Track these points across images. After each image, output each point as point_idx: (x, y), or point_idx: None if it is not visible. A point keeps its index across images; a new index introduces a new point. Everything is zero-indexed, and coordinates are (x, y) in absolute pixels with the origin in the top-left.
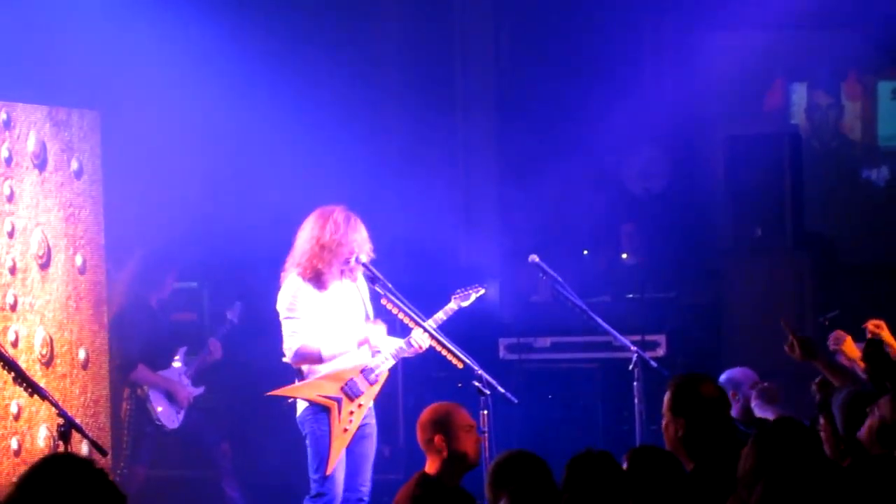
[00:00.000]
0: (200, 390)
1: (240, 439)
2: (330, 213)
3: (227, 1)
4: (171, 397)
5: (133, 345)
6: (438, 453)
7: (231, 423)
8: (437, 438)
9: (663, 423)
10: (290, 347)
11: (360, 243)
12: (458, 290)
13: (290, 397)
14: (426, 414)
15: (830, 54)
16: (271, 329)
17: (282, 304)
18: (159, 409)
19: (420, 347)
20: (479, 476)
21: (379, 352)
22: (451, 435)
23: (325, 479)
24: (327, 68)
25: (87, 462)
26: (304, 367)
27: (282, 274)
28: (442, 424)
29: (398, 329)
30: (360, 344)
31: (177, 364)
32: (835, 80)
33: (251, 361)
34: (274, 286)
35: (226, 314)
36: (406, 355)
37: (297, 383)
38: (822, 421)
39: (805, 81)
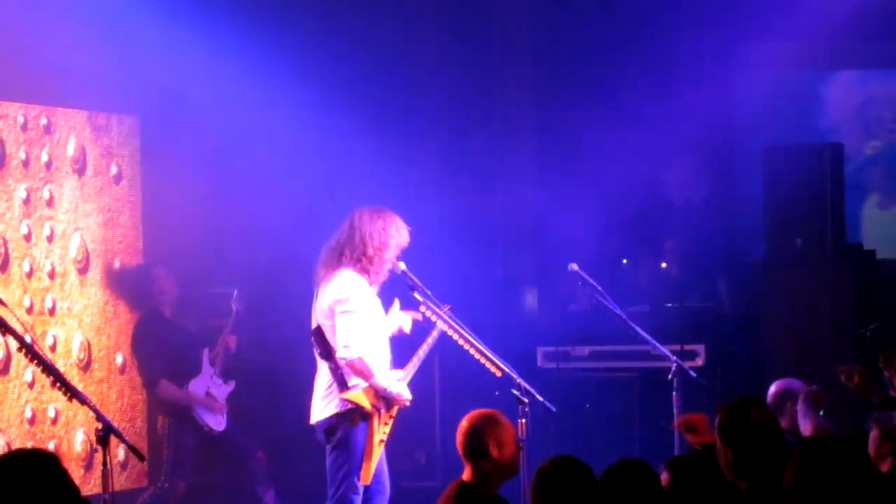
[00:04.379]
0: (231, 386)
1: (273, 446)
2: (384, 215)
3: (267, 10)
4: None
5: (154, 360)
6: (485, 461)
7: (264, 431)
8: (490, 446)
9: (717, 445)
10: (349, 345)
11: (402, 249)
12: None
13: (353, 402)
14: (477, 420)
15: (874, 58)
16: (304, 335)
17: (339, 297)
18: (204, 415)
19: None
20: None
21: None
22: (504, 442)
23: (357, 488)
24: (368, 79)
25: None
26: (350, 374)
27: (324, 268)
28: (494, 432)
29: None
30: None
31: (205, 367)
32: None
33: (283, 369)
34: (308, 293)
35: (230, 305)
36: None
37: (354, 391)
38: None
39: (847, 79)
